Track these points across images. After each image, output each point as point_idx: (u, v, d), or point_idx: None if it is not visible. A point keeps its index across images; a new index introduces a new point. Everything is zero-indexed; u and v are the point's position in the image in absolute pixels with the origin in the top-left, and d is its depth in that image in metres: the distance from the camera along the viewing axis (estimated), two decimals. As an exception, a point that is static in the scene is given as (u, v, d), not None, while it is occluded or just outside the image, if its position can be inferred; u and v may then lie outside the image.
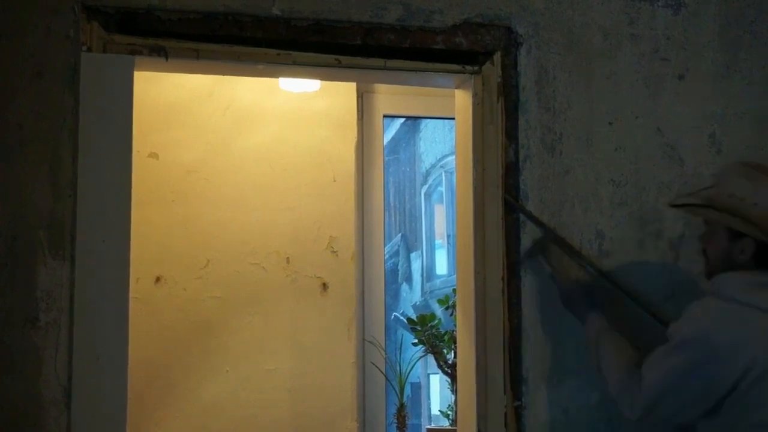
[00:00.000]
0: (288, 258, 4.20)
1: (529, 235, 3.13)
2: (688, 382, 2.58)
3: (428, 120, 11.59)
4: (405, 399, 4.42)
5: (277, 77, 3.98)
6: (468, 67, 3.22)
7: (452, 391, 4.26)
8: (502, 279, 3.12)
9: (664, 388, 2.60)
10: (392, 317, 8.85)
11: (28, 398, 2.77)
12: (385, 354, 4.37)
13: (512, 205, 3.12)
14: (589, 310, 2.95)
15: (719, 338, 2.55)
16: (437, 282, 14.29)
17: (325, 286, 4.22)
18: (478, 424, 3.12)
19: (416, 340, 4.46)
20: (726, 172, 2.76)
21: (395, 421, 4.38)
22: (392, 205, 15.24)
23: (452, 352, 4.30)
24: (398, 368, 4.41)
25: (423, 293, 14.76)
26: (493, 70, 3.19)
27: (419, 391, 13.38)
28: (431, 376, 13.14)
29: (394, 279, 14.77)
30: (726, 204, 2.65)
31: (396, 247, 15.17)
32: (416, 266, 15.17)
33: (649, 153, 3.23)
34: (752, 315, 2.57)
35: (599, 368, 2.83)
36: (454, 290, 3.63)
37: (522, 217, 3.13)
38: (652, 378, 2.61)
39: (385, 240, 4.59)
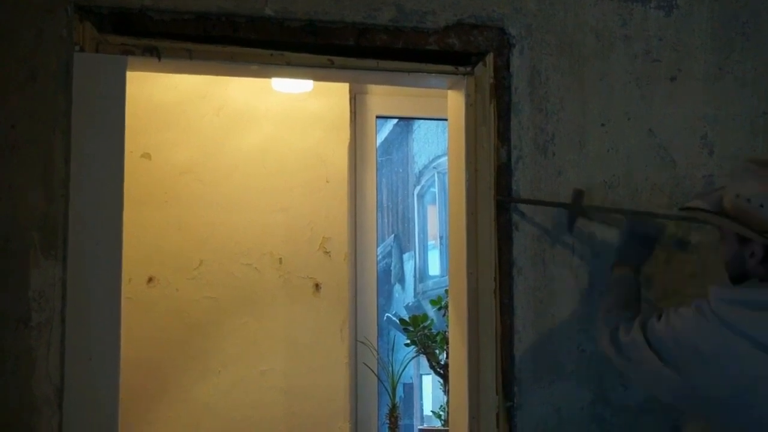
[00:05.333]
0: (281, 259, 4.20)
1: (521, 235, 3.14)
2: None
3: (421, 121, 11.60)
4: (397, 399, 4.43)
5: (271, 78, 3.99)
6: (461, 68, 3.22)
7: (444, 391, 4.27)
8: (495, 279, 3.13)
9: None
10: (385, 318, 8.87)
11: (20, 398, 2.76)
12: (378, 355, 4.38)
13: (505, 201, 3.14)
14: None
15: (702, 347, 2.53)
16: (430, 283, 14.30)
17: (317, 286, 4.22)
18: (470, 425, 3.13)
19: (409, 341, 4.47)
20: (736, 171, 2.64)
21: (387, 421, 4.38)
22: (385, 206, 15.24)
23: (444, 352, 4.31)
24: (390, 369, 4.41)
25: (415, 294, 14.77)
26: (485, 71, 3.20)
27: (411, 391, 13.39)
28: (423, 377, 13.14)
29: (387, 280, 14.78)
30: (733, 206, 2.54)
31: (389, 248, 15.18)
32: (409, 267, 15.18)
33: (641, 154, 3.24)
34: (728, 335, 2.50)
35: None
36: (447, 291, 3.63)
37: (515, 217, 3.14)
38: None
39: (377, 241, 4.59)
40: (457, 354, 3.27)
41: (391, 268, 15.14)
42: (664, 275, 3.18)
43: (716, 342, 2.50)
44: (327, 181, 4.28)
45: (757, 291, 2.52)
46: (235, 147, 4.22)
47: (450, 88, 3.33)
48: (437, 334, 4.40)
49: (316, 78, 3.73)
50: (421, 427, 4.86)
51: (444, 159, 11.14)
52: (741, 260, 2.57)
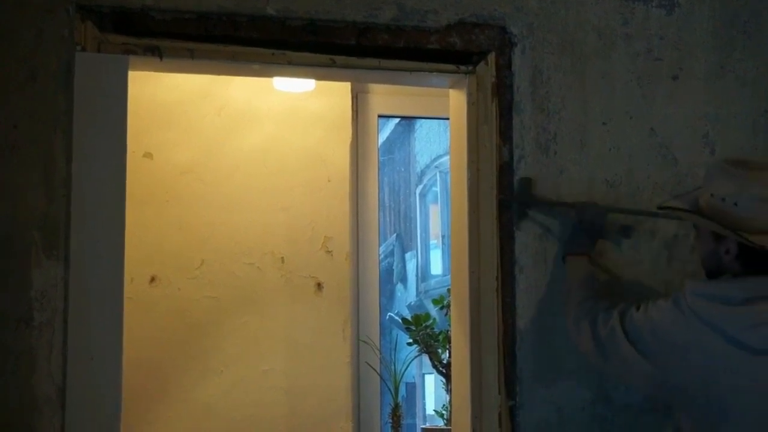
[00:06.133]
0: (283, 258, 4.20)
1: (523, 234, 3.14)
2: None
3: (423, 120, 11.60)
4: (400, 399, 4.42)
5: (272, 77, 3.98)
6: (462, 67, 3.22)
7: (447, 390, 4.26)
8: (497, 278, 3.13)
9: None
10: (387, 317, 8.85)
11: (22, 398, 2.76)
12: (380, 354, 4.38)
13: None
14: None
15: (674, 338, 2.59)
16: (432, 282, 14.32)
17: (319, 286, 4.22)
18: (473, 424, 3.13)
19: (411, 340, 4.47)
20: (711, 171, 2.70)
21: (390, 420, 4.38)
22: (387, 205, 15.25)
23: (447, 351, 4.31)
24: (393, 368, 4.41)
25: (418, 293, 14.78)
26: (487, 70, 3.19)
27: (414, 390, 13.40)
28: (426, 376, 13.16)
29: (389, 279, 14.79)
30: (708, 205, 2.62)
31: (391, 247, 15.19)
32: (411, 266, 15.19)
33: (643, 153, 3.24)
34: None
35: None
36: (449, 290, 3.63)
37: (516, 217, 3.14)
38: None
39: (379, 240, 4.59)
40: (459, 353, 3.27)
41: (393, 267, 15.16)
42: (665, 275, 3.18)
43: (691, 336, 2.55)
44: (329, 181, 4.27)
45: (731, 286, 2.58)
46: (236, 146, 4.22)
47: (452, 87, 3.33)
48: (439, 334, 4.40)
49: (317, 77, 3.73)
50: (423, 426, 4.84)
51: (446, 158, 11.15)
52: (717, 257, 2.64)
